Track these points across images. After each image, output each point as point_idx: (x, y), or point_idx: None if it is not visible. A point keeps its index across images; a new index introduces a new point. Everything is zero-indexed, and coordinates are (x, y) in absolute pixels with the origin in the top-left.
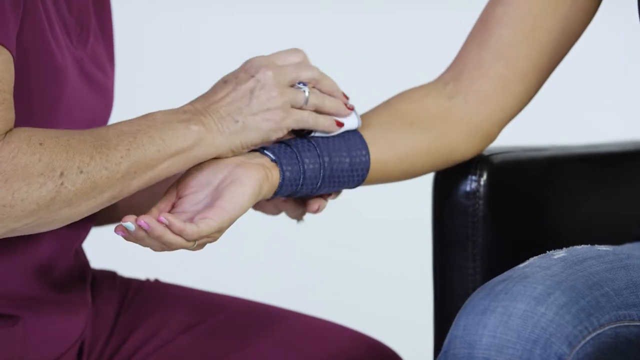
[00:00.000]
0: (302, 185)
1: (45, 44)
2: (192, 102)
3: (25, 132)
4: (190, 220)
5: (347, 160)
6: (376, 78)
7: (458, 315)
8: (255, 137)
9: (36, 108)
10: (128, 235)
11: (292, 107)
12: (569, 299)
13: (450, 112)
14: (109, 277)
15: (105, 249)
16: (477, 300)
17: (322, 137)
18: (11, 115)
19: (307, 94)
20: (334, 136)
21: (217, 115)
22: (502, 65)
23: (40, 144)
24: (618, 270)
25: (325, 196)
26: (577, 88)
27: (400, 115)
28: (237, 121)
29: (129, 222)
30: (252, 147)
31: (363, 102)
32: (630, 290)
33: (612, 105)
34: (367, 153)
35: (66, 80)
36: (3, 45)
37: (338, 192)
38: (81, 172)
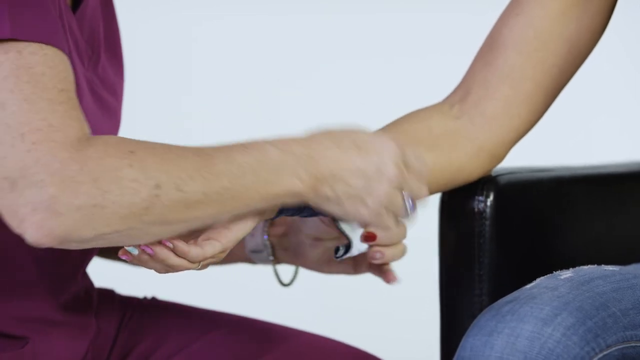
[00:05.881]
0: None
1: None
2: (309, 141)
3: (113, 138)
4: (195, 240)
5: None
6: (376, 78)
7: (465, 336)
8: (334, 210)
9: None
10: (132, 259)
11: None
12: (576, 320)
13: (456, 133)
14: (108, 296)
15: (101, 265)
16: (484, 321)
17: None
18: (83, 115)
19: (409, 211)
20: None
21: (335, 187)
22: (508, 87)
23: (131, 152)
24: (625, 290)
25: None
26: (584, 108)
27: (405, 135)
28: (336, 193)
29: (132, 247)
30: None
31: (362, 104)
32: (637, 310)
33: (621, 125)
34: None
35: (81, 103)
36: (62, 50)
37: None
38: (179, 190)
